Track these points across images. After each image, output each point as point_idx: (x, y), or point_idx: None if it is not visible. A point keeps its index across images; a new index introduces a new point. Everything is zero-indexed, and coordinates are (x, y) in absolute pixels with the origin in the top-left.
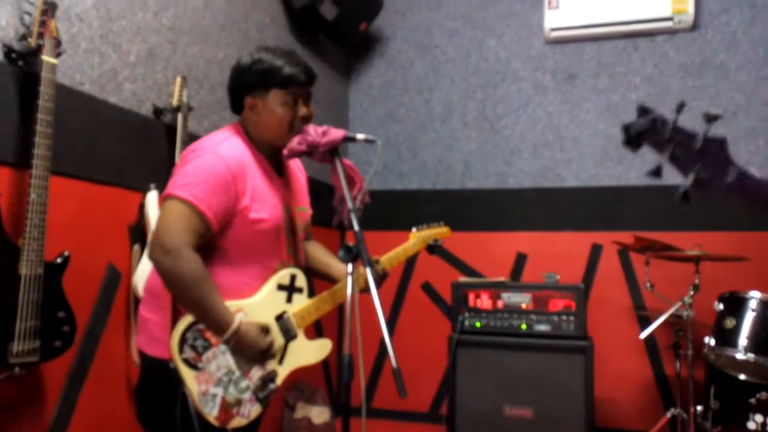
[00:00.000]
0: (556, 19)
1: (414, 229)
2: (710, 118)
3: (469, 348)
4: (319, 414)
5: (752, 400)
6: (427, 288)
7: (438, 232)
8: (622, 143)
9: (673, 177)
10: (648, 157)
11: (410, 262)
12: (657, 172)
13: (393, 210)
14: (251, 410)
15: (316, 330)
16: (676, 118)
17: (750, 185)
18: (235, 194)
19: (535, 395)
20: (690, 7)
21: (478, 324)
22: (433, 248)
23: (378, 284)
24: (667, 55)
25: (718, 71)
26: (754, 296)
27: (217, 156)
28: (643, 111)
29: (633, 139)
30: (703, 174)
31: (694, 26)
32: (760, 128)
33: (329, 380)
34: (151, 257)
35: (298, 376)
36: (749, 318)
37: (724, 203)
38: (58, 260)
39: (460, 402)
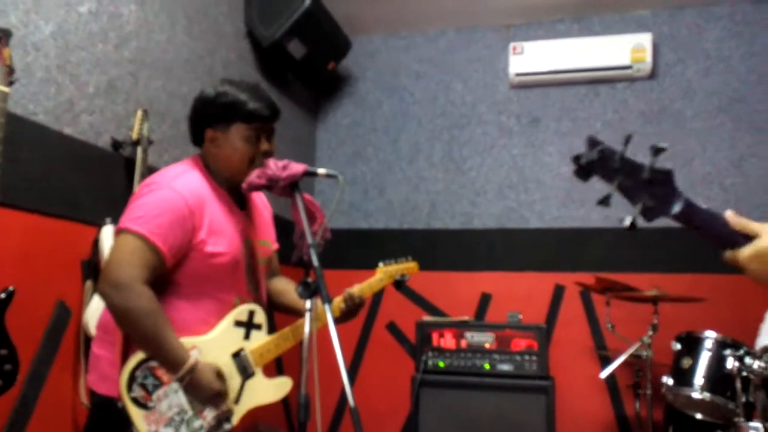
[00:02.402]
0: (520, 65)
1: (381, 264)
2: (657, 151)
3: (433, 388)
4: None
5: None
6: (392, 328)
7: (405, 267)
8: (573, 173)
9: (640, 221)
10: (612, 200)
11: (375, 302)
12: (605, 200)
13: (359, 249)
14: None
15: (276, 368)
16: (624, 150)
17: (696, 216)
18: (191, 228)
19: None
20: (648, 57)
21: (441, 364)
22: (400, 283)
23: (354, 313)
24: (627, 101)
25: (675, 119)
26: (710, 336)
27: (173, 191)
28: (592, 143)
29: (583, 168)
30: (649, 203)
31: (652, 75)
32: (715, 174)
33: (290, 422)
34: (100, 292)
35: (257, 417)
36: (705, 357)
37: (683, 246)
38: (2, 295)
39: None
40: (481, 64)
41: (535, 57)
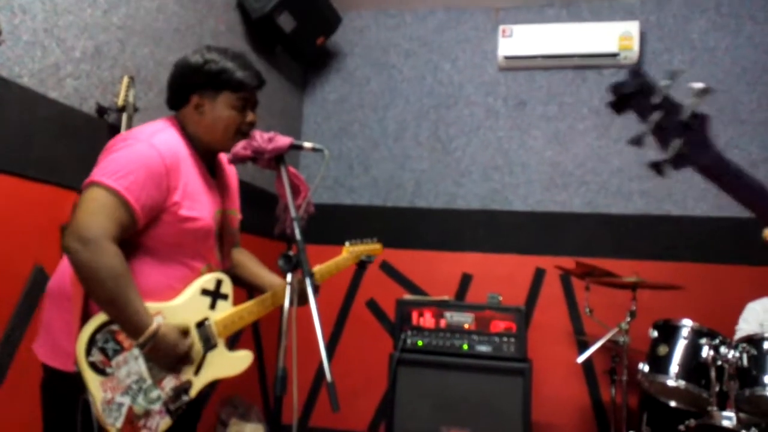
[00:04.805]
0: (509, 47)
1: (347, 243)
2: (703, 92)
3: (410, 367)
4: (254, 431)
5: (681, 427)
6: (372, 305)
7: (371, 248)
8: (607, 104)
9: (616, 207)
10: (592, 186)
11: (356, 278)
12: (638, 140)
13: (342, 225)
14: (160, 423)
15: (254, 341)
16: (669, 85)
17: (724, 172)
18: (166, 188)
19: (473, 416)
20: (635, 45)
21: (420, 343)
22: (364, 264)
23: (307, 297)
24: None
25: None
26: (686, 324)
27: (152, 146)
28: (635, 74)
29: (620, 99)
30: (684, 149)
31: (639, 63)
32: None
33: (265, 396)
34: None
35: (233, 391)
36: (681, 345)
37: (663, 234)
38: None
39: (398, 422)
40: (469, 45)
41: (524, 40)
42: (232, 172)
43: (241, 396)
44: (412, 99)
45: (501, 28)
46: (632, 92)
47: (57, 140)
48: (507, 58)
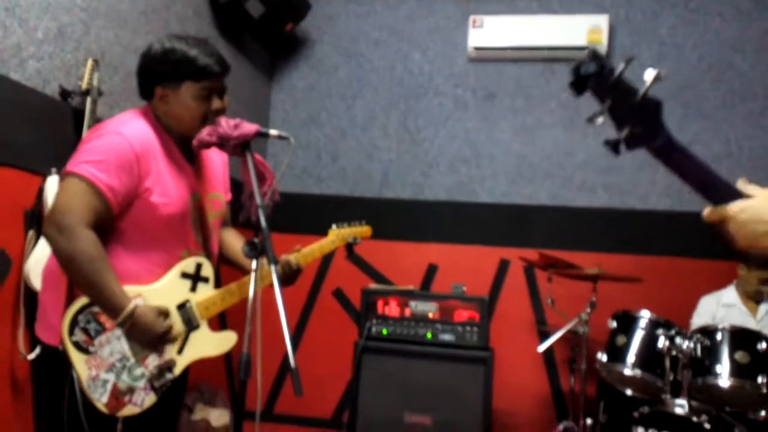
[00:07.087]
0: (479, 38)
1: (334, 226)
2: (656, 78)
3: (375, 355)
4: (219, 417)
5: (636, 414)
6: (339, 294)
7: (358, 230)
8: (568, 84)
9: (580, 200)
10: (557, 179)
11: (323, 267)
12: (594, 118)
13: (309, 214)
14: (145, 399)
15: (220, 327)
16: (624, 69)
17: (676, 156)
18: (138, 175)
19: (435, 403)
20: (604, 38)
21: (384, 331)
22: (351, 246)
23: (291, 280)
24: None
25: None
26: (644, 315)
27: (121, 136)
28: (594, 56)
29: (579, 80)
30: (636, 130)
31: (608, 57)
32: None
33: (231, 382)
34: (45, 235)
35: (198, 376)
36: (638, 336)
37: (625, 227)
38: None
39: (362, 409)
40: (440, 35)
41: (494, 31)
42: (218, 155)
43: (207, 382)
44: (380, 89)
45: (471, 18)
46: (590, 74)
47: (19, 123)
48: (477, 49)
